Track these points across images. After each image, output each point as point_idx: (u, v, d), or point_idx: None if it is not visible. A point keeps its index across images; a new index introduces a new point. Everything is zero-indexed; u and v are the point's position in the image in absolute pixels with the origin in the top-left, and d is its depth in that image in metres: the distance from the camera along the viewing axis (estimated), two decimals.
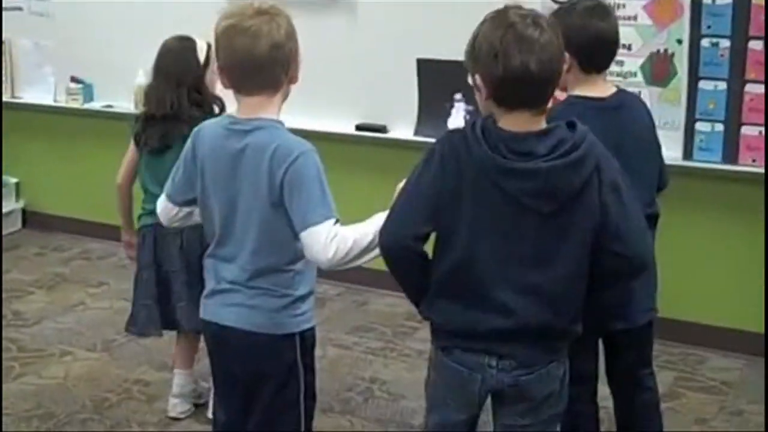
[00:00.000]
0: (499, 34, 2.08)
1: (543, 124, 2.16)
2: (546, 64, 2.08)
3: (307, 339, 2.48)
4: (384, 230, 2.24)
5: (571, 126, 2.16)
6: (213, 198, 2.42)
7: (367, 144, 4.61)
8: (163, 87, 3.31)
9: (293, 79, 2.40)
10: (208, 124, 2.47)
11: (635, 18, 3.88)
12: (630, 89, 3.74)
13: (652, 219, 2.72)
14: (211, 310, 2.49)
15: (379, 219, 2.30)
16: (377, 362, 4.05)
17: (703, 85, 3.83)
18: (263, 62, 2.31)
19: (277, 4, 2.38)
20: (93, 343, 4.26)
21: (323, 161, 2.37)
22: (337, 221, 2.31)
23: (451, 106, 4.13)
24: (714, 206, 4.04)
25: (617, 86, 2.76)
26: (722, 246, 4.07)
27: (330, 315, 4.51)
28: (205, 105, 3.31)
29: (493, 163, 2.12)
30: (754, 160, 3.80)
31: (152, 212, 2.99)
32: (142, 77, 5.06)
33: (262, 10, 2.33)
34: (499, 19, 2.11)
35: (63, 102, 5.41)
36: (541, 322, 2.20)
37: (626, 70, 3.91)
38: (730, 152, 3.84)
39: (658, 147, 2.81)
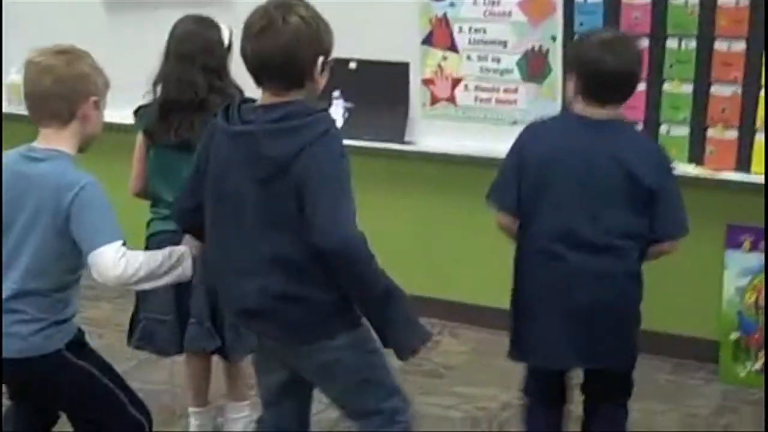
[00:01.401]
0: (250, 19, 2.24)
1: (292, 98, 2.25)
2: (278, 47, 2.19)
3: (72, 347, 2.54)
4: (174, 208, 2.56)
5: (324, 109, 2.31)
6: None
7: None
8: (186, 70, 2.93)
9: (86, 118, 2.49)
10: (10, 152, 2.55)
11: (510, 14, 3.88)
12: (508, 85, 3.85)
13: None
14: None
15: (168, 249, 2.49)
16: None
17: None
18: (46, 95, 2.45)
19: (76, 47, 2.52)
20: None
21: None
22: (124, 244, 2.40)
23: (330, 104, 4.11)
24: None
25: (621, 118, 2.71)
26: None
27: None
28: (227, 93, 2.91)
29: (221, 128, 2.29)
30: None
31: (166, 217, 2.81)
32: (15, 75, 4.89)
33: (61, 50, 2.49)
34: (259, 7, 2.25)
35: None
36: (281, 290, 2.26)
37: (503, 68, 3.93)
38: None
39: (659, 183, 2.63)
